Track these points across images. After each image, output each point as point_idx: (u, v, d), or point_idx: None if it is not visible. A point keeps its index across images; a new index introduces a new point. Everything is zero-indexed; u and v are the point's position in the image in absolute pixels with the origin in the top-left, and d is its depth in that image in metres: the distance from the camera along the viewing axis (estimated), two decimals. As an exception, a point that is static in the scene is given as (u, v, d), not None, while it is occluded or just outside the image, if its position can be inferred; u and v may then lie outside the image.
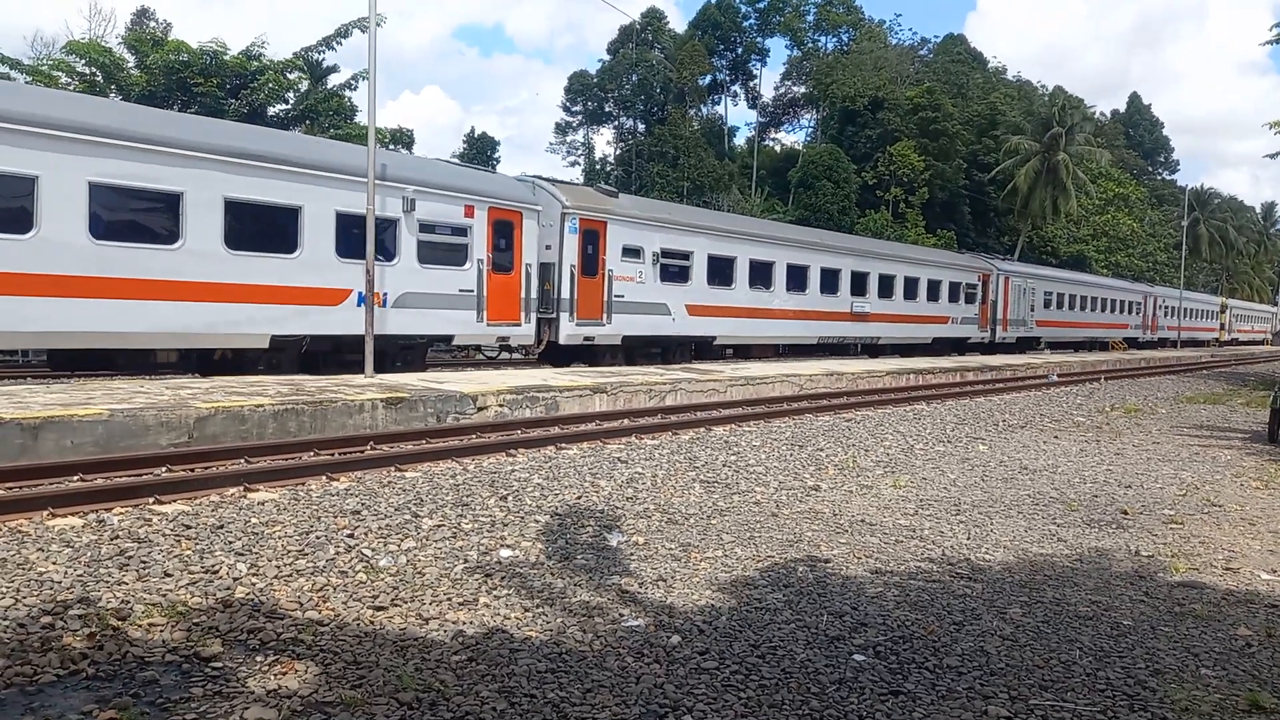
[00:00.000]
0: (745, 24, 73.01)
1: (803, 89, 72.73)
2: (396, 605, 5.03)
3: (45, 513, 6.51)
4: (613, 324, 19.22)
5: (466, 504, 7.47)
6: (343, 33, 29.69)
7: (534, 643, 4.58)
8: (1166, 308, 53.09)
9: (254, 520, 6.63)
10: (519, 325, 17.46)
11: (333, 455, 9.16)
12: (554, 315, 18.17)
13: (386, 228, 14.81)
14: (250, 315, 13.31)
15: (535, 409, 13.26)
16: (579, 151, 73.40)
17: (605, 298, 18.98)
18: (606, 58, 71.09)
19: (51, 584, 5.05)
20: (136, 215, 12.40)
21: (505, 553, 6.15)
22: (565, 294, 18.14)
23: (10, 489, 7.14)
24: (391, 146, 33.33)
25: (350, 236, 14.43)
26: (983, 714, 3.98)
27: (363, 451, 9.51)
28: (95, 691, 3.79)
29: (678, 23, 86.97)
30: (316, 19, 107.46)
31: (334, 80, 32.22)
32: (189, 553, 5.77)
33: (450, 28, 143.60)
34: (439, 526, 6.71)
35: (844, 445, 11.77)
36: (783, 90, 76.21)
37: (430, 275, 15.72)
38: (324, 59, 31.62)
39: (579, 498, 7.96)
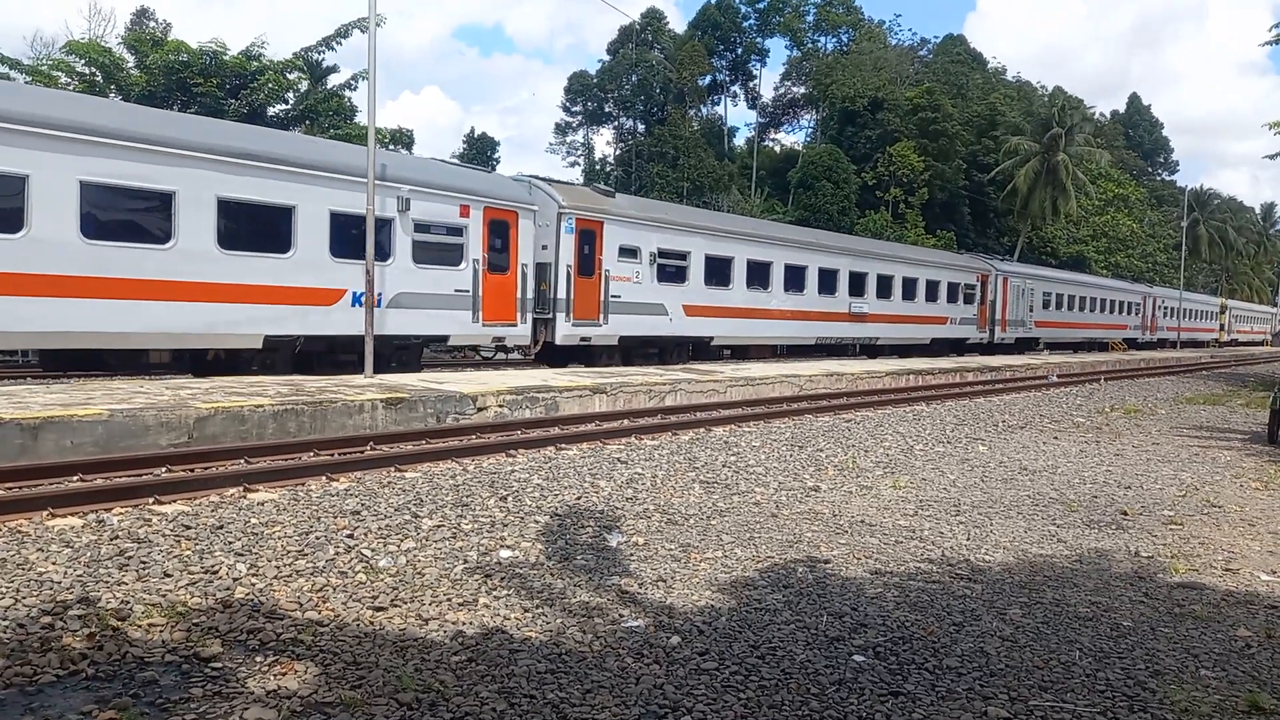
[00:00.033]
0: (745, 24, 73.06)
1: (802, 89, 72.76)
2: (396, 606, 5.02)
3: (45, 513, 6.51)
4: (609, 324, 19.21)
5: (466, 504, 7.47)
6: (343, 33, 29.69)
7: (534, 643, 4.58)
8: (1166, 308, 53.11)
9: (254, 520, 6.63)
10: (515, 325, 17.42)
11: (332, 456, 9.16)
12: (550, 315, 18.14)
13: (381, 227, 14.79)
14: (243, 315, 13.26)
15: (535, 409, 13.26)
16: (579, 152, 73.54)
17: (602, 298, 18.96)
18: (606, 58, 71.19)
19: (51, 584, 5.05)
20: (128, 215, 12.34)
21: (505, 553, 6.15)
22: (562, 294, 18.11)
23: (10, 489, 7.14)
24: (391, 147, 33.32)
25: (344, 236, 14.39)
26: (982, 714, 3.98)
27: (362, 452, 9.51)
28: (95, 692, 3.79)
29: (677, 23, 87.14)
30: (316, 19, 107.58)
31: (334, 80, 32.24)
32: (189, 553, 5.77)
33: (450, 28, 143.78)
34: (439, 527, 6.71)
35: (844, 446, 11.77)
36: (782, 91, 76.32)
37: (425, 275, 15.68)
38: (324, 59, 31.64)
39: (579, 498, 7.96)
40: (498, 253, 16.99)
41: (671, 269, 20.78)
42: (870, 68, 65.54)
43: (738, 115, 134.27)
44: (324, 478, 8.25)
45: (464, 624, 4.81)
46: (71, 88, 26.05)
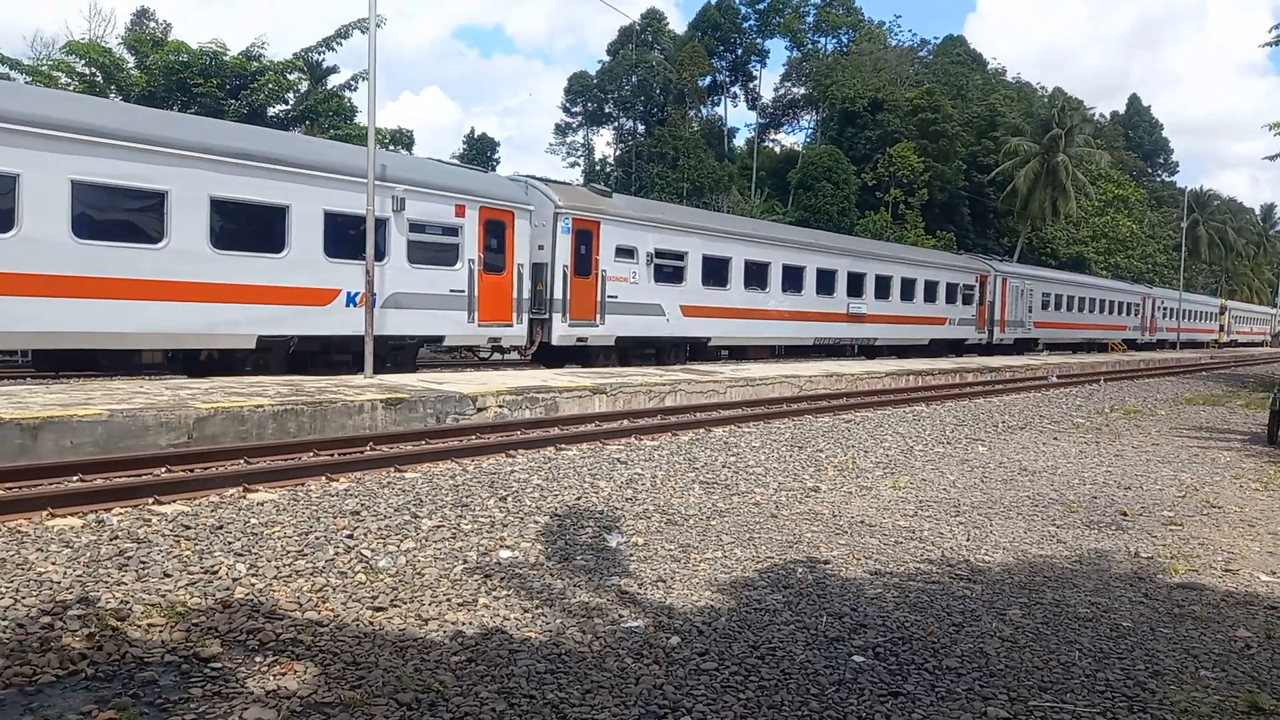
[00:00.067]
0: (745, 25, 73.08)
1: (802, 90, 72.78)
2: (396, 606, 5.02)
3: (45, 513, 6.51)
4: (606, 325, 19.17)
5: (466, 505, 7.47)
6: (343, 33, 29.68)
7: (533, 643, 4.58)
8: (1165, 309, 53.11)
9: (253, 521, 6.63)
10: (511, 326, 17.37)
11: (332, 456, 9.16)
12: (546, 316, 18.10)
13: (377, 228, 14.72)
14: (236, 315, 13.21)
15: (535, 410, 13.26)
16: (579, 152, 73.59)
17: (598, 298, 18.93)
18: (606, 59, 71.22)
19: (51, 584, 5.05)
20: (120, 214, 12.28)
21: (505, 553, 6.15)
22: (558, 294, 18.07)
23: (10, 489, 7.13)
24: (391, 147, 33.31)
25: (338, 236, 14.33)
26: (982, 715, 3.98)
27: (362, 452, 9.51)
28: (94, 692, 3.79)
29: (677, 24, 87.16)
30: (316, 19, 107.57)
31: (334, 81, 32.22)
32: (188, 553, 5.77)
33: (450, 28, 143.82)
34: (438, 527, 6.71)
35: (843, 446, 11.77)
36: (782, 91, 76.36)
37: (420, 275, 15.63)
38: (324, 59, 31.61)
39: (578, 498, 7.96)
40: (493, 253, 16.93)
41: (669, 269, 20.74)
42: (870, 68, 65.56)
43: (738, 116, 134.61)
44: (324, 478, 8.25)
45: (464, 624, 4.81)
46: (72, 88, 26.06)
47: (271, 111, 29.36)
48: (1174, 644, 4.98)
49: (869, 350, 29.23)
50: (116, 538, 6.04)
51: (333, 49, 30.38)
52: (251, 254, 13.45)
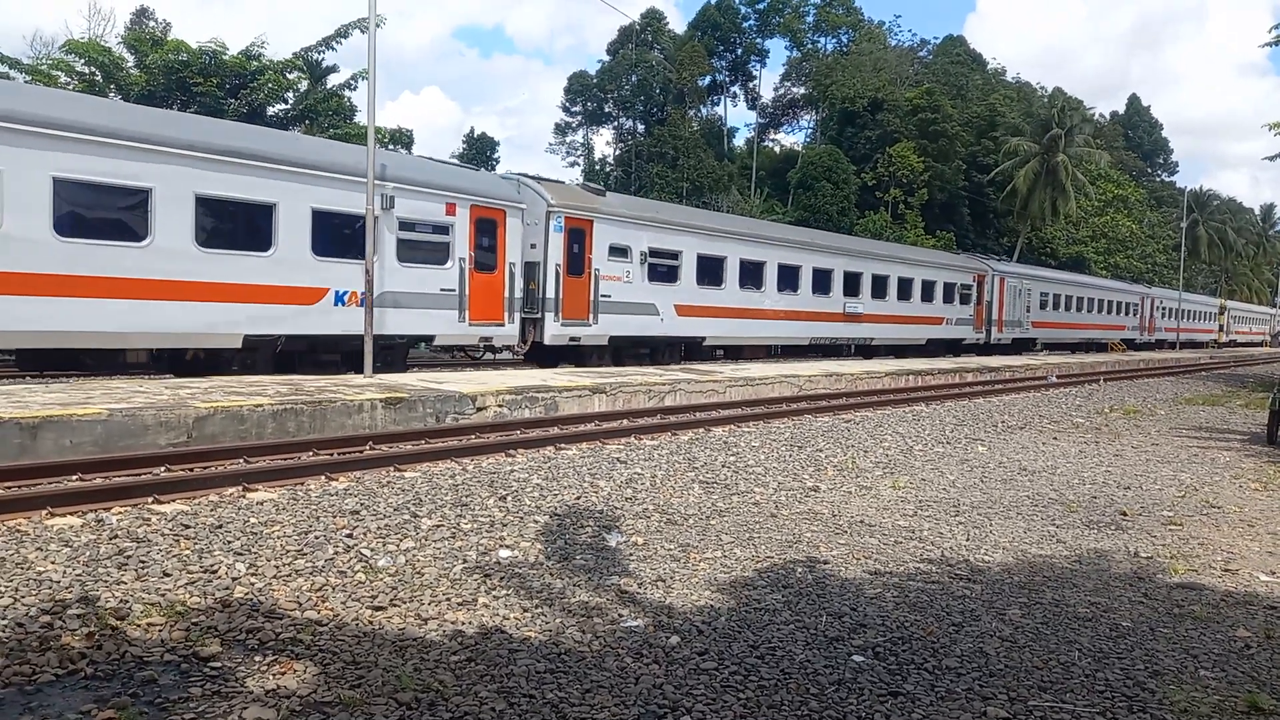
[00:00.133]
0: (745, 25, 73.10)
1: (802, 90, 72.80)
2: (395, 605, 5.02)
3: (44, 512, 6.50)
4: (599, 324, 19.10)
5: (466, 504, 7.47)
6: (342, 33, 29.67)
7: (533, 643, 4.57)
8: (1164, 309, 53.11)
9: (253, 520, 6.63)
10: (502, 325, 17.26)
11: (332, 455, 9.16)
12: (539, 315, 18.00)
13: (362, 225, 14.49)
14: (223, 315, 13.08)
15: (534, 409, 13.26)
16: (579, 152, 73.57)
17: (591, 297, 18.85)
18: (606, 58, 71.22)
19: (50, 583, 5.05)
20: (103, 212, 12.13)
21: (504, 553, 6.15)
22: (550, 294, 17.97)
23: (9, 488, 7.13)
24: (391, 147, 33.29)
25: (326, 234, 14.23)
26: (982, 715, 3.98)
27: (362, 451, 9.50)
28: (94, 691, 3.78)
29: (677, 24, 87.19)
30: (316, 19, 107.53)
31: (333, 80, 32.21)
32: (188, 552, 5.76)
33: (450, 28, 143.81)
34: (438, 527, 6.71)
35: (843, 446, 11.77)
36: (782, 91, 76.37)
37: (410, 274, 15.50)
38: (323, 59, 31.59)
39: (578, 498, 7.96)
40: (485, 251, 16.82)
41: (663, 268, 20.65)
42: (870, 68, 65.58)
43: (737, 116, 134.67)
44: (323, 477, 8.24)
45: (463, 623, 4.81)
46: (71, 87, 26.05)
47: (271, 111, 29.36)
48: (1174, 644, 4.98)
49: (866, 350, 29.19)
50: (116, 537, 6.04)
51: (332, 48, 30.39)
52: (238, 252, 13.31)
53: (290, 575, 5.43)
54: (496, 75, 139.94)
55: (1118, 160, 76.06)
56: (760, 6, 72.03)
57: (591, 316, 18.92)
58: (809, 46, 73.69)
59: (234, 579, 5.29)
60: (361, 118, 30.49)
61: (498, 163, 65.64)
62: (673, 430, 12.39)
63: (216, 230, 13.12)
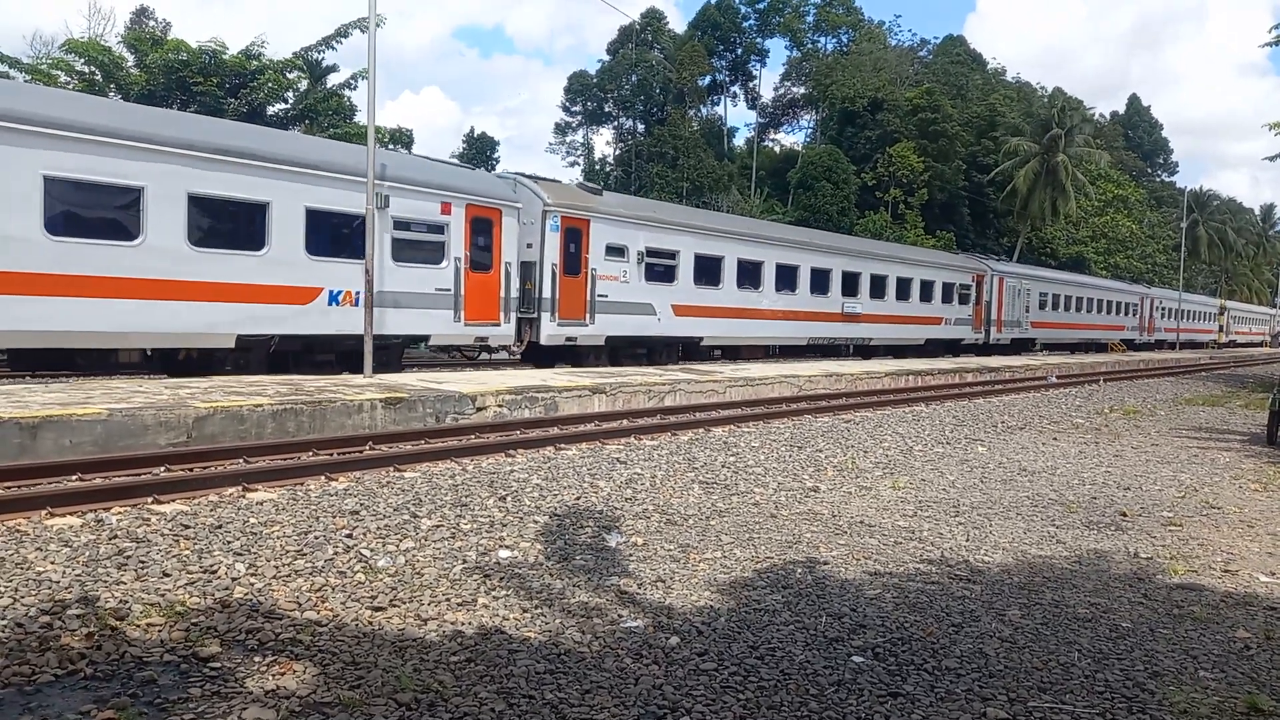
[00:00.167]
0: (745, 25, 73.08)
1: (802, 90, 72.79)
2: (395, 606, 5.02)
3: (44, 512, 6.50)
4: (596, 324, 19.04)
5: (465, 504, 7.46)
6: (342, 33, 29.66)
7: (532, 643, 4.57)
8: (1164, 309, 53.10)
9: (252, 520, 6.62)
10: (498, 325, 17.18)
11: (331, 455, 9.16)
12: (535, 315, 17.93)
13: (359, 225, 14.51)
14: (215, 314, 13.00)
15: (534, 409, 13.26)
16: (579, 152, 73.56)
17: (588, 297, 18.79)
18: (606, 58, 71.21)
19: (50, 583, 5.05)
20: (95, 211, 12.04)
21: (504, 553, 6.14)
22: (547, 293, 17.91)
23: (9, 488, 7.13)
24: (391, 146, 33.28)
25: (320, 233, 14.18)
26: (981, 715, 3.98)
27: (361, 451, 9.50)
28: (93, 691, 3.78)
29: (677, 23, 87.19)
30: (316, 19, 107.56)
31: (333, 80, 32.20)
32: (187, 552, 5.76)
33: (450, 28, 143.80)
34: (438, 527, 6.70)
35: (843, 446, 11.77)
36: (782, 91, 76.36)
37: (405, 274, 15.41)
38: (323, 59, 31.58)
39: (578, 498, 7.96)
40: (480, 251, 16.74)
41: (660, 268, 20.59)
42: (870, 68, 65.58)
43: (737, 115, 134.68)
44: (323, 477, 8.24)
45: (463, 624, 4.81)
46: (71, 87, 26.05)
47: (271, 110, 29.35)
48: (1173, 645, 4.99)
49: (864, 350, 29.16)
50: (115, 537, 6.03)
51: (332, 48, 30.38)
52: (231, 251, 13.24)
53: (290, 575, 5.42)
54: (496, 75, 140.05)
55: (1118, 160, 76.08)
56: (760, 6, 72.04)
57: (588, 316, 18.87)
58: (809, 46, 73.71)
59: (234, 579, 5.29)
60: (361, 117, 30.49)
61: (498, 162, 65.69)
62: (672, 430, 12.39)
63: (209, 229, 13.05)
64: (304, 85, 30.99)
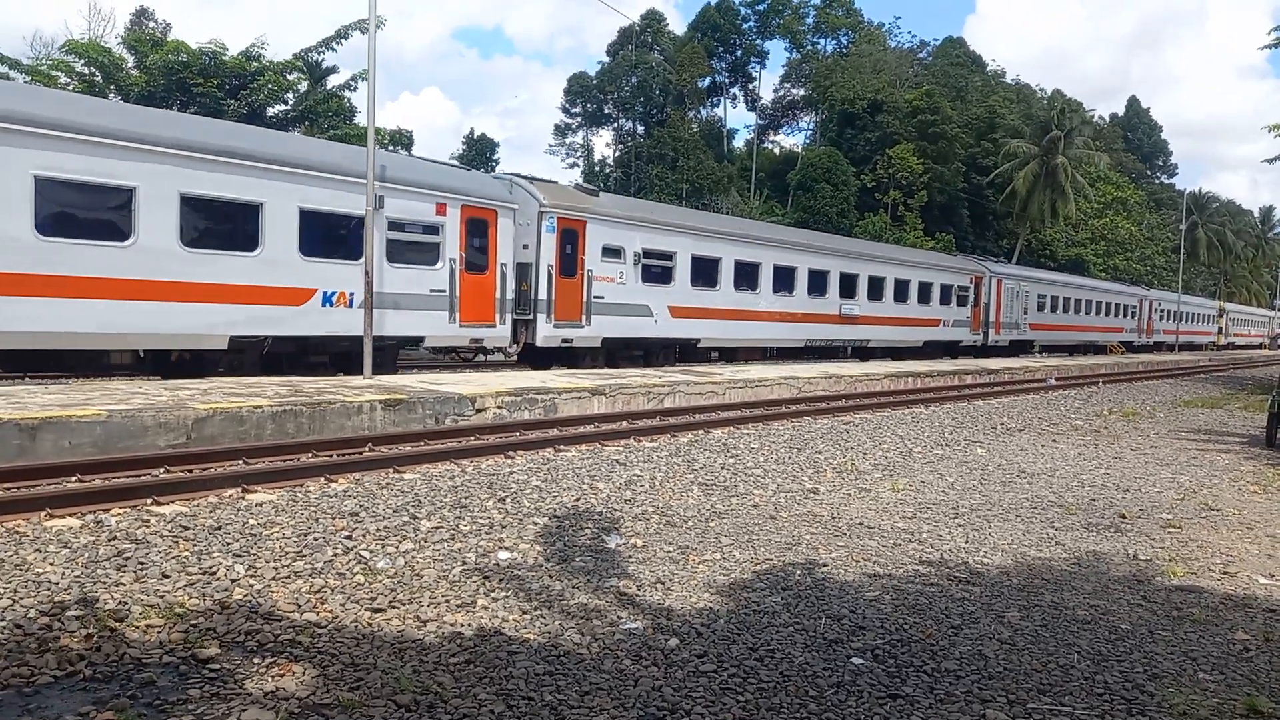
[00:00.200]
0: (744, 26, 73.21)
1: (802, 92, 72.91)
2: (394, 607, 5.02)
3: (43, 513, 6.50)
4: (592, 325, 19.01)
5: (465, 506, 7.46)
6: (342, 34, 29.69)
7: (532, 645, 4.57)
8: (1163, 311, 53.12)
9: (252, 522, 6.62)
10: (494, 326, 17.11)
11: (331, 457, 9.16)
12: (531, 316, 17.90)
13: (353, 225, 14.46)
14: (208, 315, 12.94)
15: (534, 411, 13.26)
16: (578, 153, 73.62)
17: (584, 298, 18.76)
18: (606, 60, 71.29)
19: (49, 585, 5.04)
20: (86, 211, 11.97)
21: (503, 555, 6.14)
22: (543, 295, 17.88)
23: (8, 489, 7.13)
24: (391, 147, 33.31)
25: (314, 234, 14.14)
26: (981, 717, 3.98)
27: (361, 453, 9.50)
28: (92, 693, 3.78)
29: (677, 25, 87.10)
30: (316, 20, 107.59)
31: (333, 81, 32.24)
32: (187, 554, 5.76)
33: (450, 29, 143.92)
34: (437, 528, 6.70)
35: (842, 448, 11.77)
36: (782, 93, 76.52)
37: (400, 275, 15.35)
38: (323, 60, 31.62)
39: (577, 500, 7.96)
40: (476, 252, 16.69)
41: (657, 269, 20.55)
42: (869, 70, 65.65)
43: (737, 117, 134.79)
44: (322, 479, 8.24)
45: (462, 625, 4.81)
46: (71, 88, 26.05)
47: (271, 112, 29.37)
48: (1172, 646, 4.99)
49: (862, 352, 29.14)
50: (115, 538, 6.03)
51: (332, 49, 30.42)
52: (223, 252, 13.18)
53: (289, 577, 5.42)
54: (496, 76, 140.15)
55: (1117, 162, 76.18)
56: (760, 8, 72.15)
57: (584, 318, 18.83)
58: (808, 48, 73.81)
59: (233, 581, 5.28)
60: (361, 119, 30.52)
61: (497, 164, 65.74)
62: (672, 432, 12.39)
63: (202, 230, 12.99)
64: (304, 86, 31.01)
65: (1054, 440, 13.75)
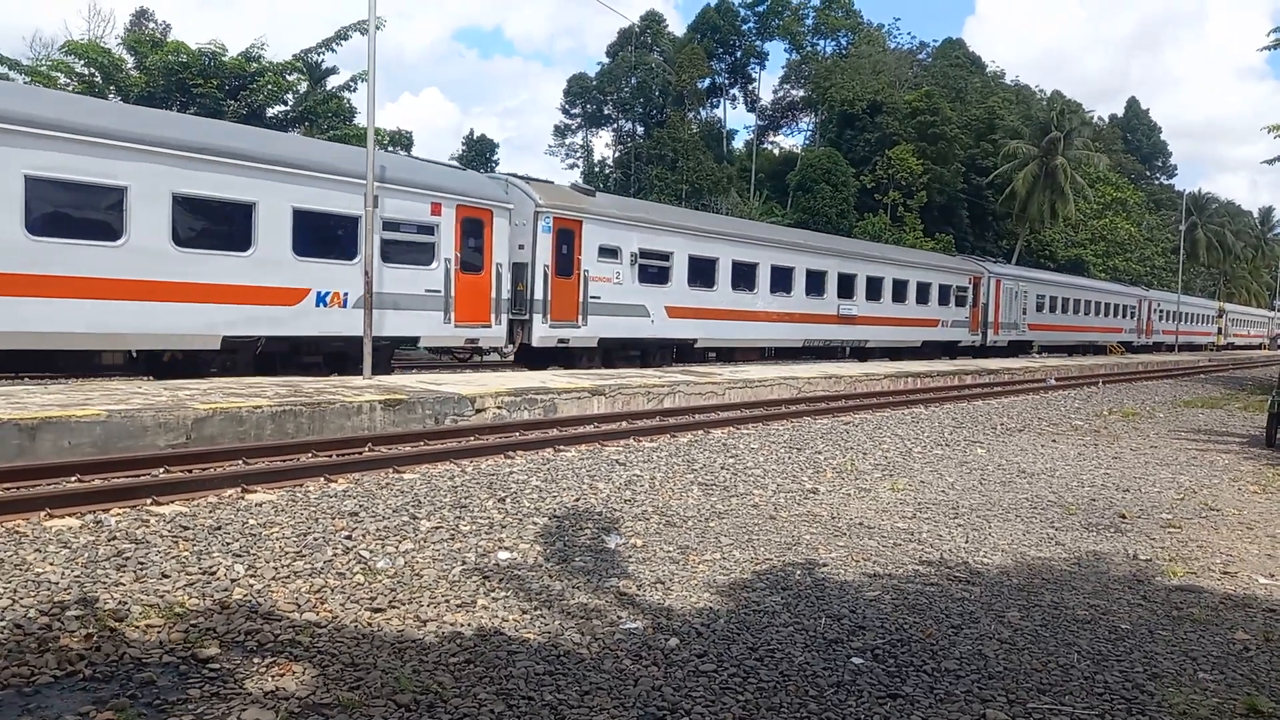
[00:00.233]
0: (744, 27, 73.23)
1: (801, 92, 72.95)
2: (394, 607, 5.02)
3: (43, 513, 6.50)
4: (588, 326, 18.98)
5: (464, 506, 7.46)
6: (342, 35, 29.64)
7: (532, 645, 4.57)
8: (1162, 311, 53.13)
9: (252, 521, 6.62)
10: (489, 327, 17.07)
11: (331, 457, 9.16)
12: (527, 317, 17.86)
13: (347, 225, 14.44)
14: (201, 316, 12.89)
15: (533, 411, 13.26)
16: (578, 154, 73.64)
17: (580, 299, 18.72)
18: (606, 60, 71.30)
19: (49, 585, 5.04)
20: (77, 211, 11.91)
21: (503, 555, 6.14)
22: (539, 295, 17.83)
23: (8, 489, 7.12)
24: (390, 148, 33.32)
25: (308, 234, 14.10)
26: (980, 717, 3.98)
27: (361, 453, 9.50)
28: (92, 693, 3.78)
29: (677, 26, 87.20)
30: (316, 21, 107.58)
31: (333, 82, 32.19)
32: (186, 554, 5.76)
33: (450, 30, 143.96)
34: (437, 528, 6.70)
35: (842, 448, 11.77)
36: (781, 94, 76.54)
37: (394, 275, 15.29)
38: (323, 61, 31.55)
39: (577, 500, 7.96)
40: (471, 252, 16.63)
41: (653, 269, 20.51)
42: (869, 71, 65.69)
43: (737, 118, 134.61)
44: (322, 479, 8.24)
45: (462, 625, 4.81)
46: (70, 88, 26.04)
47: (270, 112, 29.34)
48: (1172, 646, 4.99)
49: (860, 353, 29.11)
50: (114, 538, 6.03)
51: (332, 50, 30.36)
52: (216, 252, 13.13)
53: (289, 577, 5.42)
54: (496, 77, 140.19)
55: (1116, 163, 76.21)
56: (760, 9, 72.17)
57: (580, 318, 18.80)
58: (808, 49, 73.84)
59: (233, 580, 5.28)
60: (361, 119, 30.49)
61: (497, 164, 65.68)
62: (671, 432, 12.39)
63: (194, 230, 12.95)
64: (304, 87, 30.97)
65: (1054, 440, 13.75)
